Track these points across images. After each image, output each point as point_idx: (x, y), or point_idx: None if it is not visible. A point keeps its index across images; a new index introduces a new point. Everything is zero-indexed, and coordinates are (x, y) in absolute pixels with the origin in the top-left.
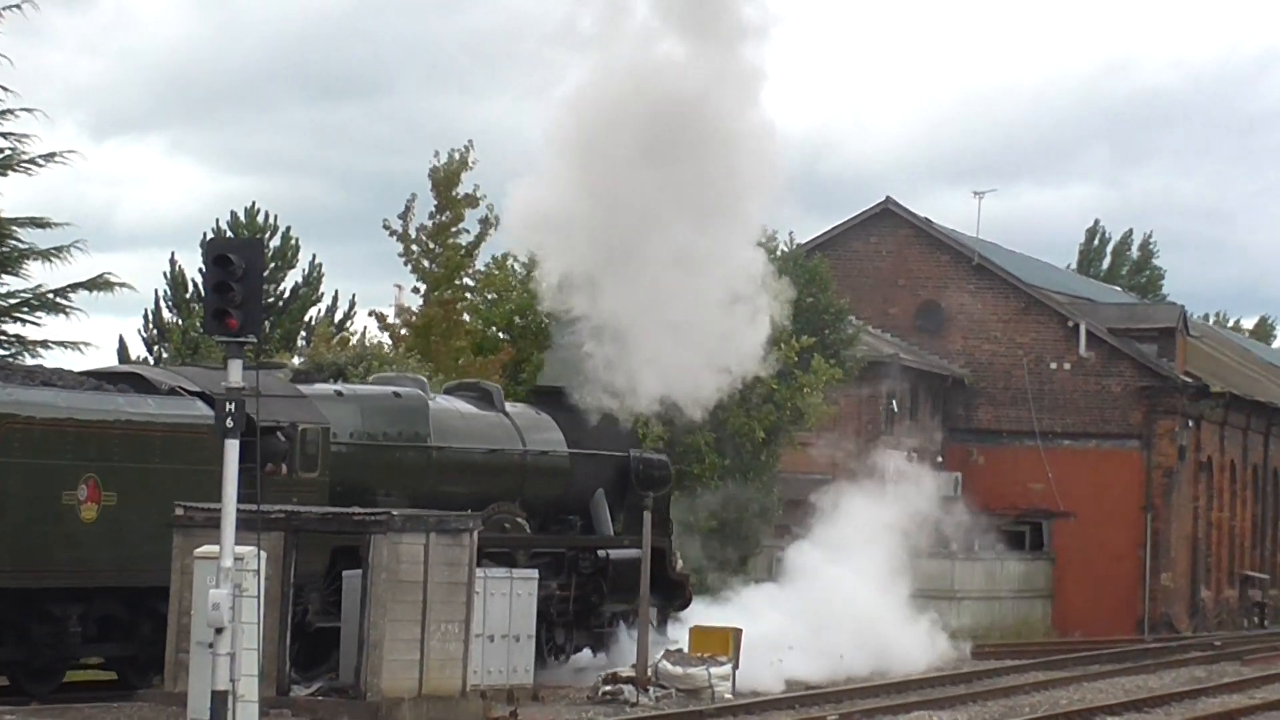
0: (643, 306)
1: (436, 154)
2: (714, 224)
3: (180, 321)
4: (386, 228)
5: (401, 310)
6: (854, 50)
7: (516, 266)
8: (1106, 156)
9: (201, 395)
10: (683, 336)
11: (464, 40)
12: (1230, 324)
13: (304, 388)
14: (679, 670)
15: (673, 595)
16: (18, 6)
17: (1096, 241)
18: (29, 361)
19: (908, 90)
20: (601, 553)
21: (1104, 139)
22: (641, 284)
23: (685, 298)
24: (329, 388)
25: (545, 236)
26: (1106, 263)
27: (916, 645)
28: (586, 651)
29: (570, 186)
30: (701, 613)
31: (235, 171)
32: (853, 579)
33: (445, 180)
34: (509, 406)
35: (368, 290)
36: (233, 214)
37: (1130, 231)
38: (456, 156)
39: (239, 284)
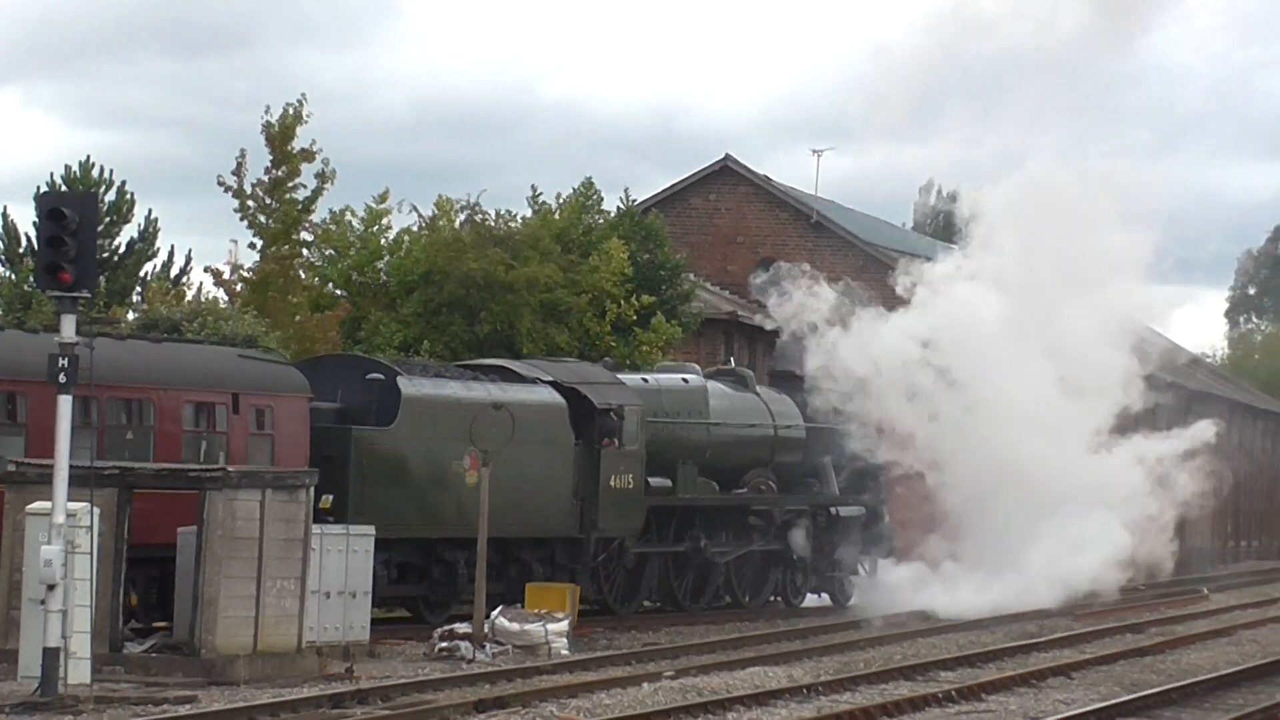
0: None
1: (268, 109)
2: None
3: (14, 276)
4: (221, 183)
5: (237, 266)
6: (727, 3)
7: (354, 222)
8: (962, 114)
9: (553, 384)
10: None
11: None
12: None
13: (621, 376)
14: (515, 626)
15: (884, 545)
16: None
17: (933, 199)
18: None
19: (764, 50)
20: (834, 510)
21: (961, 96)
22: None
23: None
24: (637, 376)
25: None
26: (940, 219)
27: None
28: (818, 593)
29: None
30: None
31: (88, 125)
32: None
33: (280, 135)
34: (759, 389)
35: (208, 245)
36: (67, 168)
37: (957, 189)
38: (290, 111)
39: (72, 238)
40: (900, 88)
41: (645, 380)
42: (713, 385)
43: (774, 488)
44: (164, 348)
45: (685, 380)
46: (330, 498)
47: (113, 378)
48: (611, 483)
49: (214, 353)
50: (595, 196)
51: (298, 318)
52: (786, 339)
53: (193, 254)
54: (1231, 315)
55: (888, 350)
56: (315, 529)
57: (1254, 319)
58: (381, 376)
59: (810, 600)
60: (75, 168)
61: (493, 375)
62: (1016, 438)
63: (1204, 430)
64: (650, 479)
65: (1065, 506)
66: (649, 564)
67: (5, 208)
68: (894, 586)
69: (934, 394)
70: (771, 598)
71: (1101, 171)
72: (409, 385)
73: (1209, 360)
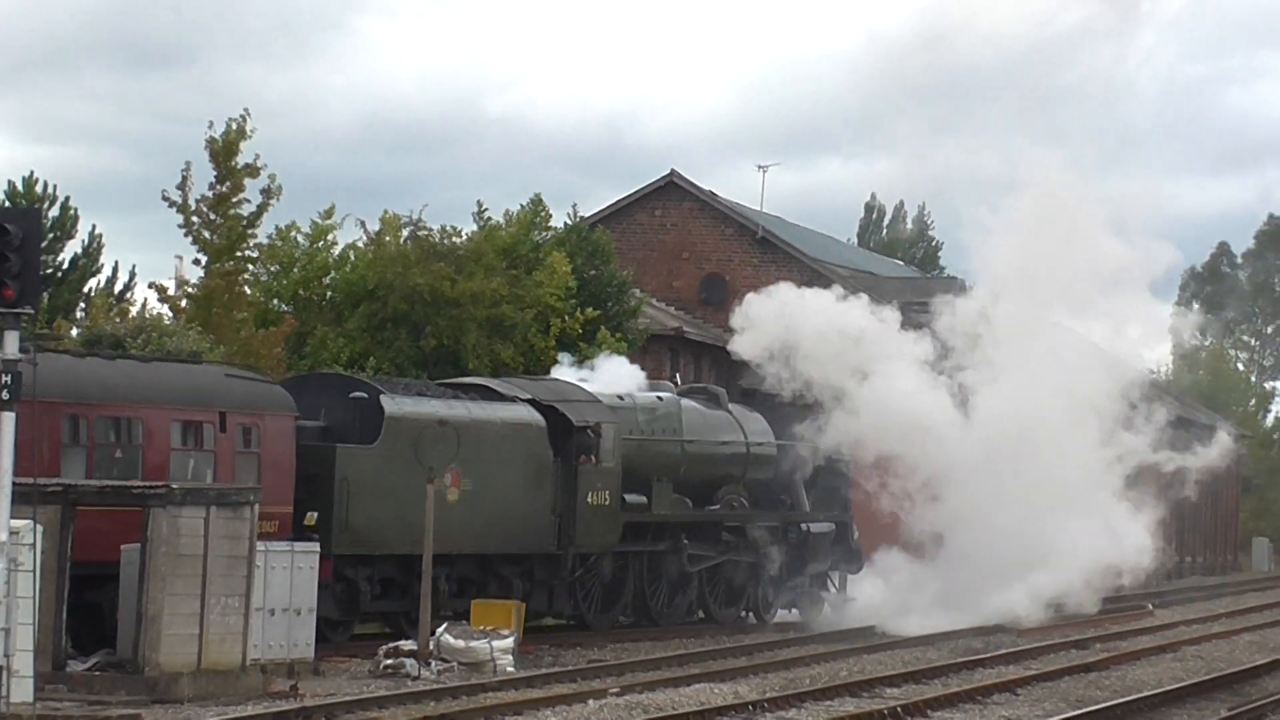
0: None
1: (211, 124)
2: None
3: None
4: (165, 198)
5: (182, 282)
6: (675, 19)
7: (299, 238)
8: (914, 130)
9: (531, 402)
10: None
11: (268, 9)
12: None
13: (598, 394)
14: (461, 644)
15: (852, 561)
16: None
17: (875, 215)
18: None
19: (710, 66)
20: (804, 525)
21: (914, 113)
22: None
23: None
24: (614, 393)
25: None
26: (885, 235)
27: None
28: (788, 608)
29: None
30: None
31: (32, 140)
32: None
33: (224, 150)
34: (731, 406)
35: (153, 261)
36: (10, 183)
37: (902, 204)
38: (234, 126)
39: (16, 254)
40: (864, 101)
41: (621, 398)
42: (686, 403)
43: (746, 504)
44: (152, 367)
45: (660, 398)
46: (315, 515)
47: (102, 397)
48: (589, 499)
49: (201, 372)
50: (544, 214)
51: (243, 333)
52: (761, 365)
53: (138, 269)
54: (1176, 331)
55: (899, 388)
56: (259, 546)
57: (1198, 335)
58: (365, 395)
59: (781, 615)
60: (19, 183)
61: (473, 394)
62: (1015, 462)
63: (1224, 442)
64: (626, 495)
65: (1054, 522)
66: (626, 578)
67: None
68: (860, 603)
69: (941, 430)
70: (743, 613)
71: (1097, 186)
72: (392, 404)
73: (1154, 375)
